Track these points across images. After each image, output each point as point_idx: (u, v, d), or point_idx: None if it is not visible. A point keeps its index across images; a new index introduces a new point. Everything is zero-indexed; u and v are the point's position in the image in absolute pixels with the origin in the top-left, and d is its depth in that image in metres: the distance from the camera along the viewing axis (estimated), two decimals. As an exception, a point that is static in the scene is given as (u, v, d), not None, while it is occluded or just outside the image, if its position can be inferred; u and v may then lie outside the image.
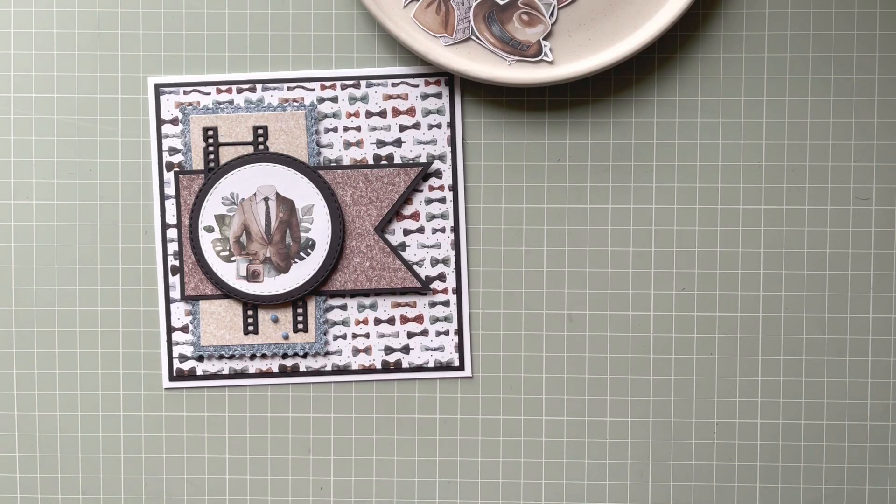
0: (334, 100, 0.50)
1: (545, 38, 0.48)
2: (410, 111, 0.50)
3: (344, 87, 0.50)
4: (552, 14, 0.48)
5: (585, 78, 0.49)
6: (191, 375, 0.51)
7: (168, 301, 0.50)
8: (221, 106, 0.50)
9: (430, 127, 0.50)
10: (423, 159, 0.50)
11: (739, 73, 0.50)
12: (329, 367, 0.51)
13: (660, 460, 0.50)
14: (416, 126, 0.50)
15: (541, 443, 0.51)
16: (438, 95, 0.50)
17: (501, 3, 0.48)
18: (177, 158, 0.50)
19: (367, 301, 0.50)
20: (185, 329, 0.50)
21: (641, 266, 0.50)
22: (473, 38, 0.48)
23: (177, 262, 0.50)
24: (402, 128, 0.50)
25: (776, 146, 0.50)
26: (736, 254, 0.50)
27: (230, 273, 0.49)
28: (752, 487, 0.50)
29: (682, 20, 0.48)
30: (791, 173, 0.50)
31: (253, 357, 0.50)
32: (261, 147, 0.50)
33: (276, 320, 0.50)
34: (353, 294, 0.50)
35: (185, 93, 0.50)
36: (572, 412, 0.51)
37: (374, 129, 0.50)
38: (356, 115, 0.50)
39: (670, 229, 0.50)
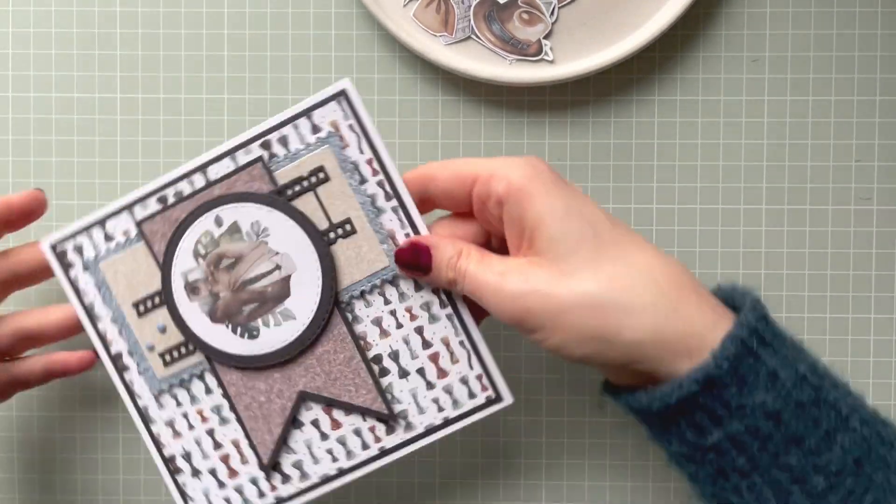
0: None
1: (546, 37, 0.48)
2: None
3: None
4: (553, 13, 0.48)
5: (586, 77, 0.49)
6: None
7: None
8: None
9: None
10: None
11: (741, 73, 0.49)
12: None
13: (661, 461, 0.50)
14: None
15: (541, 444, 0.51)
16: None
17: (502, 1, 0.48)
18: None
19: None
20: None
21: (642, 266, 0.50)
22: (473, 37, 0.48)
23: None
24: None
25: (777, 146, 0.50)
26: (737, 254, 0.50)
27: None
28: (754, 488, 0.50)
29: (684, 19, 0.48)
30: (792, 173, 0.50)
31: None
32: None
33: (163, 330, 0.43)
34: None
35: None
36: (572, 413, 0.51)
37: None
38: None
39: (671, 229, 0.50)
